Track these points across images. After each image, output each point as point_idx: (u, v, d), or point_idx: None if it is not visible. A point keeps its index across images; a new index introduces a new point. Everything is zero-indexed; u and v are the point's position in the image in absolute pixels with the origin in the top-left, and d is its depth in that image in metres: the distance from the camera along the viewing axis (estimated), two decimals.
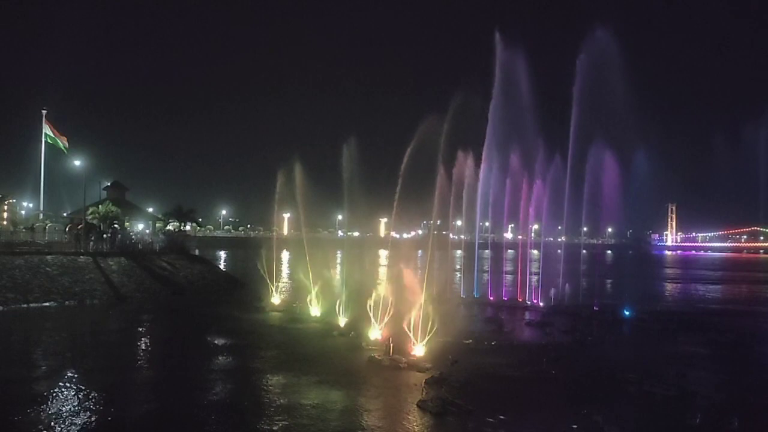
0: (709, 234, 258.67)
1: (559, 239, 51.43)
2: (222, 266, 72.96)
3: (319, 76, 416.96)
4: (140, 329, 31.33)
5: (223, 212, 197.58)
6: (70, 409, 16.33)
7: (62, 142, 57.66)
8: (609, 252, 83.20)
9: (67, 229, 51.37)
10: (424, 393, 17.85)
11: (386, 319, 25.70)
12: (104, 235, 48.87)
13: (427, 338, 23.04)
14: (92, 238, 47.15)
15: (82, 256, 42.93)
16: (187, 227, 67.84)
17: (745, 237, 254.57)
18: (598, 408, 16.54)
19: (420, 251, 38.23)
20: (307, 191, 38.63)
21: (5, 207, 69.04)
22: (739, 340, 29.44)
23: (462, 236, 56.74)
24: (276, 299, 38.53)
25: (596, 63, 37.87)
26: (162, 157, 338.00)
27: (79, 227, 49.55)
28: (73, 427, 14.90)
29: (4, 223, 59.56)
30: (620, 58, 37.19)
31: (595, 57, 38.03)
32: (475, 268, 46.67)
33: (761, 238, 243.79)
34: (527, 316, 36.17)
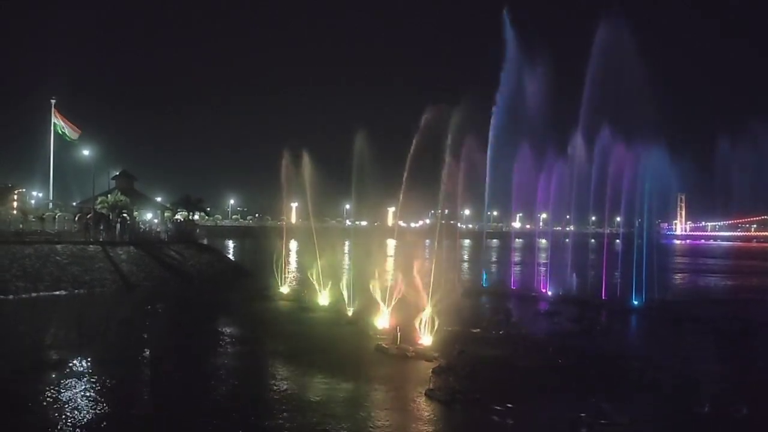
0: (719, 223, 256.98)
1: (567, 228, 51.31)
2: (230, 256, 73.25)
3: (327, 65, 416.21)
4: (149, 318, 31.49)
5: (231, 201, 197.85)
6: (78, 398, 16.48)
7: (71, 131, 57.81)
8: (618, 241, 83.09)
9: (76, 218, 51.59)
10: (431, 382, 17.90)
11: (393, 302, 25.77)
12: (114, 225, 49.08)
13: (434, 327, 23.09)
14: (101, 228, 47.36)
15: (91, 246, 43.18)
16: (196, 216, 67.99)
17: (755, 226, 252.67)
18: (605, 396, 16.55)
19: (428, 240, 38.28)
20: (314, 180, 38.62)
21: (15, 197, 69.45)
22: (746, 329, 29.31)
23: (470, 225, 56.70)
24: (284, 288, 38.66)
25: (608, 51, 37.60)
26: (170, 146, 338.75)
27: (88, 217, 49.79)
28: (81, 417, 15.03)
29: (14, 212, 59.86)
30: (632, 46, 36.91)
31: (607, 45, 37.76)
32: (483, 257, 46.68)
33: None
34: (535, 305, 36.14)
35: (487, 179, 42.31)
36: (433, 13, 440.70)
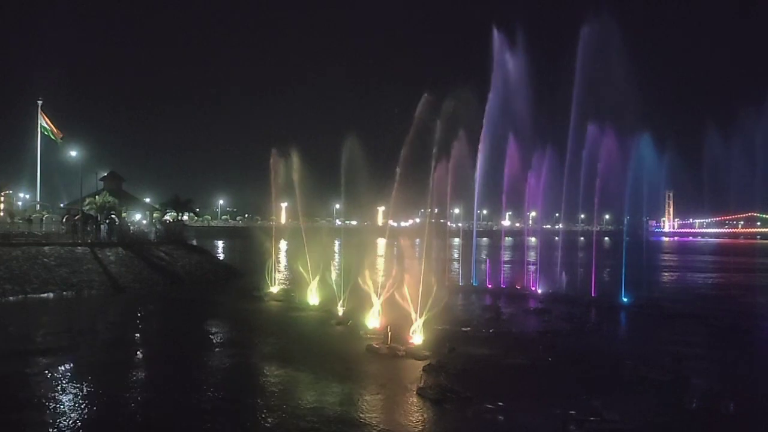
0: (706, 220, 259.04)
1: (557, 226, 51.52)
2: (220, 256, 73.00)
3: (317, 64, 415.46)
4: (138, 320, 31.29)
5: (221, 202, 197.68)
6: (67, 401, 16.36)
7: (55, 133, 57.63)
8: (606, 239, 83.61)
9: (64, 219, 51.24)
10: (422, 381, 17.89)
11: (384, 296, 25.75)
12: (101, 226, 48.78)
13: (423, 322, 23.08)
14: (89, 229, 47.06)
15: (79, 247, 42.87)
16: (185, 217, 67.70)
17: (741, 223, 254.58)
18: (595, 394, 16.62)
19: (418, 240, 38.35)
20: (304, 180, 38.55)
21: (1, 198, 68.82)
22: (735, 325, 29.57)
23: (460, 224, 56.79)
24: (274, 288, 38.54)
25: (596, 48, 37.78)
26: (159, 146, 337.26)
27: (76, 218, 49.45)
28: (70, 421, 14.90)
29: (1, 214, 59.39)
30: (620, 42, 37.11)
31: (595, 41, 37.94)
32: (473, 256, 46.75)
33: (758, 223, 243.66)
34: (525, 303, 36.22)
35: (477, 177, 42.33)
36: (425, 12, 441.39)
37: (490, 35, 41.53)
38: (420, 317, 23.10)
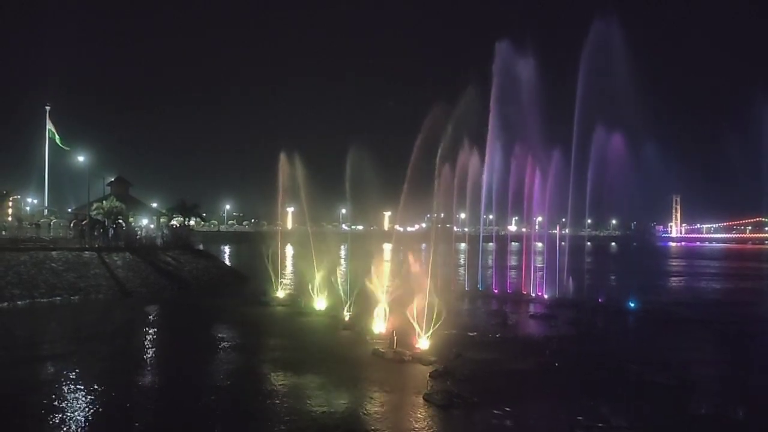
0: (714, 225, 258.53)
1: (563, 231, 51.35)
2: (226, 261, 73.09)
3: (323, 67, 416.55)
4: (146, 325, 31.36)
5: (227, 207, 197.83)
6: (72, 405, 16.43)
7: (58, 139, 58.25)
8: (613, 244, 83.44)
9: (71, 224, 51.49)
10: (429, 386, 17.87)
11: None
12: (109, 231, 48.97)
13: (431, 331, 23.04)
14: (97, 234, 47.25)
15: (86, 252, 43.01)
16: (191, 222, 67.94)
17: (749, 228, 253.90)
18: (602, 399, 16.57)
19: (424, 244, 38.35)
20: (310, 185, 38.60)
21: (10, 203, 69.53)
22: (742, 330, 29.45)
23: (466, 229, 56.76)
24: (281, 293, 38.57)
25: (601, 51, 37.71)
26: (165, 152, 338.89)
27: (83, 223, 49.67)
28: (75, 424, 14.97)
29: (9, 219, 59.80)
30: (625, 47, 37.04)
31: (600, 45, 37.88)
32: (479, 261, 46.70)
33: (766, 228, 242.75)
34: (532, 308, 36.18)
35: (484, 182, 42.32)
36: (433, 16, 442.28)
37: (492, 41, 41.58)
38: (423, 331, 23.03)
